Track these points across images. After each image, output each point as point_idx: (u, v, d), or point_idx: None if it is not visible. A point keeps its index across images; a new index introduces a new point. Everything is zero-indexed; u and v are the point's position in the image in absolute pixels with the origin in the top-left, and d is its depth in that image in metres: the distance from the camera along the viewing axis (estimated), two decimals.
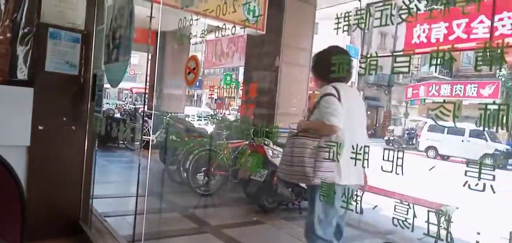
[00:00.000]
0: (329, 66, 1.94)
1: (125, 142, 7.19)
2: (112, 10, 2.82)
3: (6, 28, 2.81)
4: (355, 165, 1.50)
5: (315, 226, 2.16)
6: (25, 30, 2.81)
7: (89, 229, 2.84)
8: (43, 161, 2.65)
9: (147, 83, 3.66)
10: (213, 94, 3.73)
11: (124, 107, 10.17)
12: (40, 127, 2.64)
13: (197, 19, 2.84)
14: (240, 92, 4.33)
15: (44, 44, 2.73)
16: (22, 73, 2.77)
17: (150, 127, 6.16)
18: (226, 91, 3.57)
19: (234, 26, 2.41)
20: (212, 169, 5.23)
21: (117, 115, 8.91)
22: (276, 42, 5.27)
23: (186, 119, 7.56)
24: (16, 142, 2.56)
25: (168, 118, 6.39)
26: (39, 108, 2.64)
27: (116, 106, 9.93)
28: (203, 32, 3.02)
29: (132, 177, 5.76)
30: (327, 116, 2.02)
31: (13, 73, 2.81)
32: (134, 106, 10.06)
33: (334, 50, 2.11)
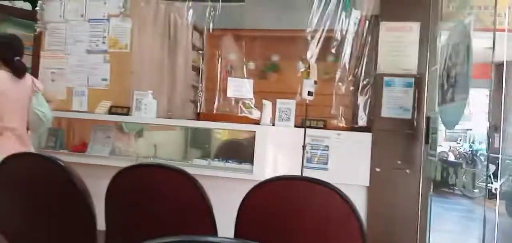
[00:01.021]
0: None
1: (462, 189, 6.53)
2: (445, 49, 2.68)
3: (349, 83, 3.30)
4: None
5: None
6: (364, 82, 3.17)
7: None
8: (380, 202, 2.81)
9: (489, 122, 3.17)
10: None
11: (459, 150, 9.37)
12: (377, 169, 2.84)
13: None
14: None
15: (380, 92, 2.96)
16: (361, 120, 3.12)
17: (492, 173, 5.30)
18: None
19: None
20: None
21: (451, 158, 8.32)
22: None
23: None
24: (357, 182, 2.87)
25: None
26: (376, 151, 2.85)
27: (450, 148, 9.31)
28: None
29: (471, 229, 5.10)
30: None
31: (354, 121, 3.23)
32: (471, 148, 9.06)
33: None
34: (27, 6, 4.22)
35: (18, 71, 2.59)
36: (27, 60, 3.97)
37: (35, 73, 3.55)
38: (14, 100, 2.57)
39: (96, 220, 1.53)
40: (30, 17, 3.88)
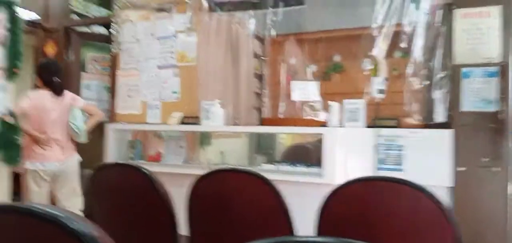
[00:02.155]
0: None
1: None
2: None
3: (423, 77, 3.10)
4: None
5: None
6: (439, 76, 2.96)
7: None
8: (466, 204, 2.58)
9: None
10: None
11: None
12: (460, 169, 2.62)
13: None
14: None
15: (458, 85, 2.74)
16: (438, 116, 2.91)
17: None
18: None
19: None
20: None
21: None
22: None
23: None
24: (437, 183, 2.66)
25: None
26: (458, 149, 2.64)
27: None
28: None
29: None
30: None
31: (430, 117, 3.02)
32: None
33: None
34: (103, 30, 4.61)
35: (56, 90, 3.00)
36: (105, 80, 4.33)
37: (113, 91, 3.85)
38: (55, 115, 2.98)
39: (177, 225, 1.60)
40: (106, 40, 4.23)
